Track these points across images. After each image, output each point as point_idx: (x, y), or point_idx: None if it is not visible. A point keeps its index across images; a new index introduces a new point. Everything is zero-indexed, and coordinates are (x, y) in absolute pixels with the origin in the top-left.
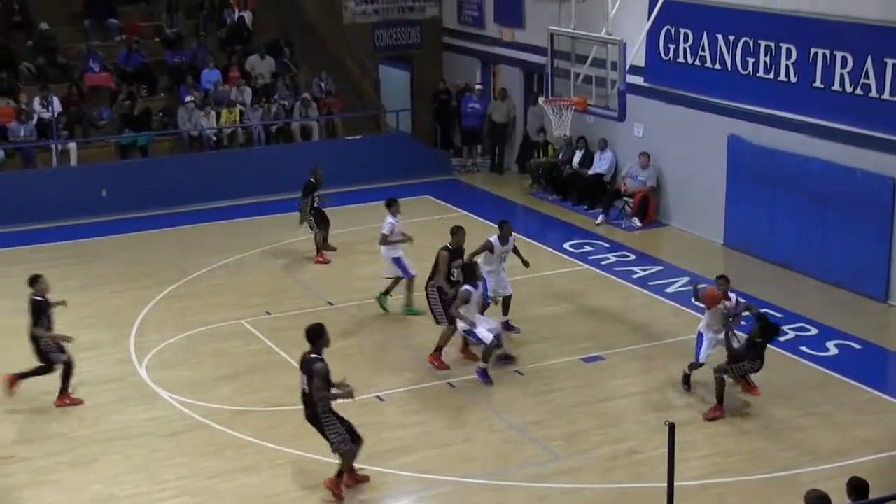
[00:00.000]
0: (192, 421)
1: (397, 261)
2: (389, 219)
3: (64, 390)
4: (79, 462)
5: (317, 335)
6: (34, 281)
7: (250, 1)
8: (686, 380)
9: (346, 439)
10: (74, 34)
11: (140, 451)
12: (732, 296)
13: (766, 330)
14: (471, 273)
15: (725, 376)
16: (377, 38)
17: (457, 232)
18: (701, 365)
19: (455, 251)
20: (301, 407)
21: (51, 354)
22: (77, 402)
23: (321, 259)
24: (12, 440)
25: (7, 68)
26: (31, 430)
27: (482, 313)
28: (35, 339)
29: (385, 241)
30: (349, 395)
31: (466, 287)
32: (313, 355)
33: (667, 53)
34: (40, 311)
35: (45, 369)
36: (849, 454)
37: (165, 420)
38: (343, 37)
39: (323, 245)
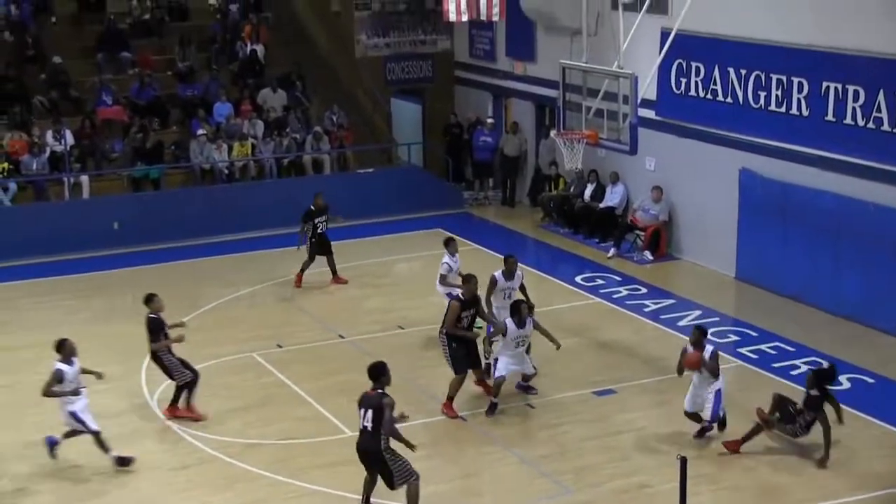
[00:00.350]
0: (204, 454)
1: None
2: (446, 258)
3: (174, 402)
4: (90, 495)
5: (379, 373)
6: (149, 300)
7: (262, 34)
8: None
9: (410, 471)
10: (87, 68)
11: (151, 485)
12: (709, 347)
13: (820, 375)
14: (515, 310)
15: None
16: (389, 71)
17: (469, 281)
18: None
19: (467, 301)
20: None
21: (175, 373)
22: (198, 418)
23: (298, 282)
24: (25, 473)
25: (20, 102)
26: (44, 463)
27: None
28: (157, 357)
29: (444, 281)
30: (402, 418)
31: (508, 319)
32: (379, 391)
33: (678, 87)
34: (158, 329)
35: (191, 383)
36: (862, 488)
37: (176, 453)
38: (355, 70)
39: (333, 277)
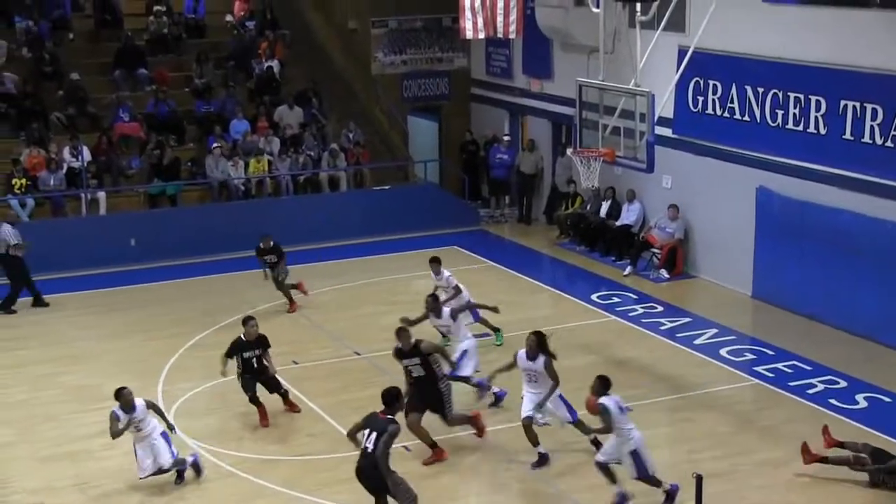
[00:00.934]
0: (220, 470)
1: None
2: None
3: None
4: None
5: (393, 398)
6: (244, 322)
7: (278, 51)
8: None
9: (409, 490)
10: (104, 84)
11: (168, 500)
12: (604, 400)
13: None
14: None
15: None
16: (405, 88)
17: (400, 334)
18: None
19: (405, 352)
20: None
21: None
22: (261, 422)
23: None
24: (42, 487)
25: (38, 118)
26: (58, 477)
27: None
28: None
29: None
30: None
31: (521, 350)
32: (389, 417)
33: (695, 105)
34: (236, 350)
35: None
36: None
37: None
38: (371, 87)
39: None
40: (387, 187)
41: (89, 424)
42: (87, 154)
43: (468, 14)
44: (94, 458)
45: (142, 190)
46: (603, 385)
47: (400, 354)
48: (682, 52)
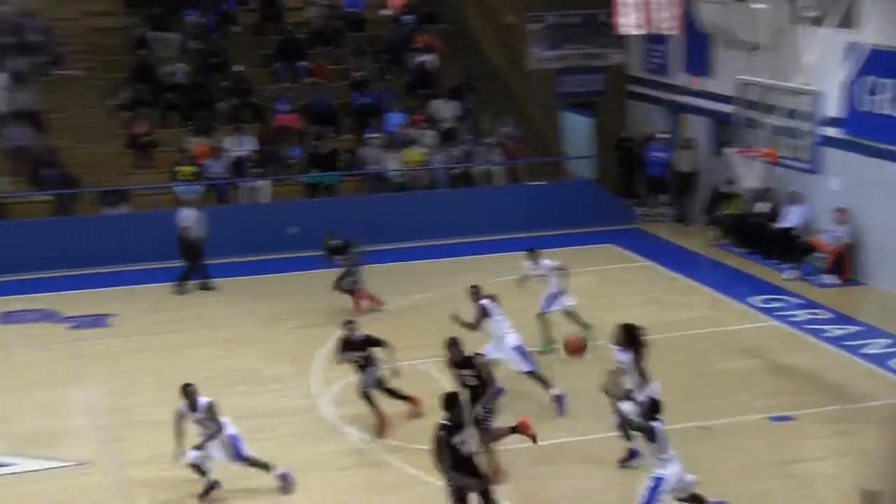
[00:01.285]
0: (371, 457)
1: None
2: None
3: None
4: (257, 494)
5: (451, 403)
6: (343, 325)
7: (435, 45)
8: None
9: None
10: (266, 76)
11: (319, 485)
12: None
13: None
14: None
15: None
16: (560, 84)
17: (452, 346)
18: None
19: (457, 362)
20: None
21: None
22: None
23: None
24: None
25: (204, 108)
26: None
27: None
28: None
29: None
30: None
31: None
32: (442, 422)
33: (867, 104)
34: (341, 348)
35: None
36: None
37: (344, 454)
38: (527, 82)
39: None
40: (542, 183)
41: (249, 407)
42: (249, 143)
43: (625, 9)
44: (247, 441)
45: (301, 179)
46: (654, 409)
47: (456, 365)
48: (852, 49)
